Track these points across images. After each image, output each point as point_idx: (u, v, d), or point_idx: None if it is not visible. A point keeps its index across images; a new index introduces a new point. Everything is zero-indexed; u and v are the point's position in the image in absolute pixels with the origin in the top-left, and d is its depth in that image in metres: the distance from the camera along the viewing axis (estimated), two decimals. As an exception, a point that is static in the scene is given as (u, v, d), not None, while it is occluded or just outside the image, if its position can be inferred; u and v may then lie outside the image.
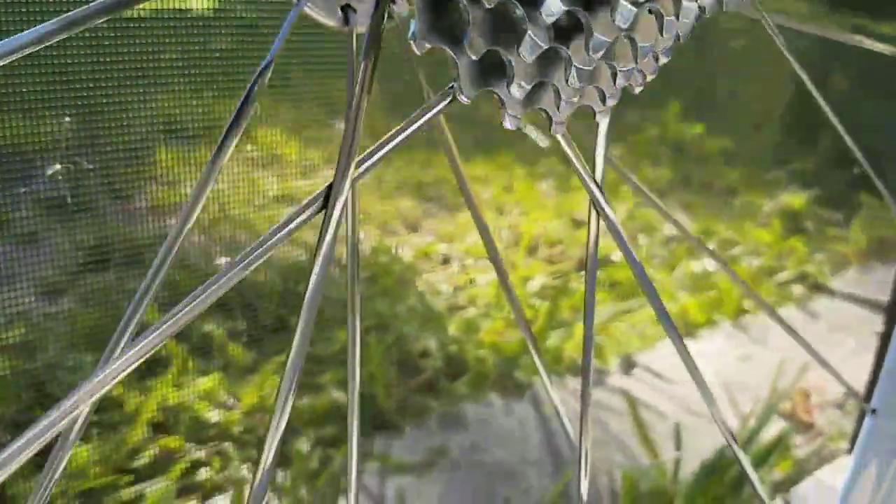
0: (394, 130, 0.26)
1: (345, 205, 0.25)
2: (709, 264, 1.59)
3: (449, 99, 0.26)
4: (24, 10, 0.74)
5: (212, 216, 1.03)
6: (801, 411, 1.18)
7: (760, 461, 1.00)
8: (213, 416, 0.96)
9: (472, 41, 0.23)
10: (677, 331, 0.35)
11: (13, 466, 0.18)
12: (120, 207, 0.86)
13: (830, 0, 2.15)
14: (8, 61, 0.24)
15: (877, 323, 1.40)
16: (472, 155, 1.80)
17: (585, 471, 0.35)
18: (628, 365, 1.27)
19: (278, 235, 0.24)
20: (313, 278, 0.24)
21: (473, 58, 0.23)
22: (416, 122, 0.26)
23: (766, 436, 1.07)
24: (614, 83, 0.27)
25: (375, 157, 0.26)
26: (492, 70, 0.24)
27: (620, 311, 1.37)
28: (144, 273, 0.27)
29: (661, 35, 0.25)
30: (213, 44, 0.86)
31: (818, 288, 1.63)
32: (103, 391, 0.20)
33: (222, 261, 1.10)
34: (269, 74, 0.30)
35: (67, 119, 0.74)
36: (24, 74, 0.75)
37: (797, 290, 1.60)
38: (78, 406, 0.19)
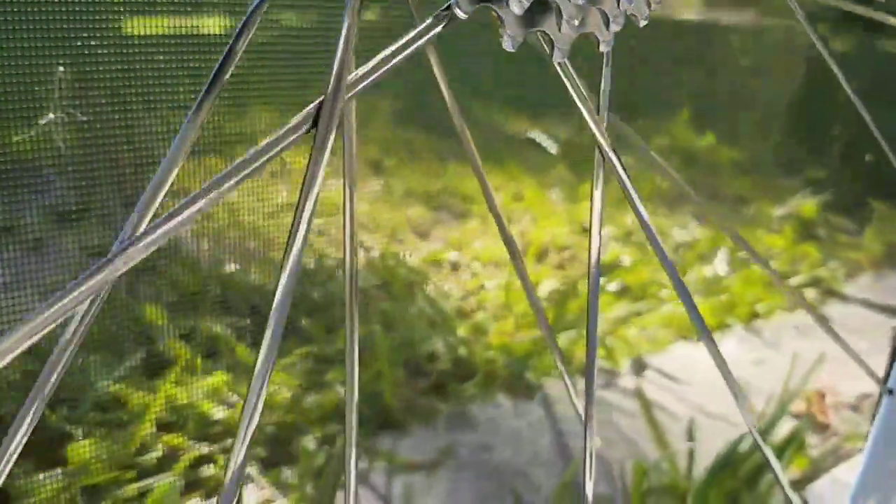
0: (389, 50, 0.25)
1: (340, 125, 0.24)
2: (720, 269, 1.57)
3: (446, 21, 0.26)
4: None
5: (222, 223, 1.03)
6: (817, 412, 1.16)
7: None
8: (218, 413, 0.95)
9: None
10: (699, 313, 0.33)
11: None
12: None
13: None
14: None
15: (890, 326, 1.38)
16: (483, 164, 1.79)
17: (591, 472, 0.34)
18: (640, 366, 1.25)
19: (269, 154, 0.24)
20: (301, 226, 0.23)
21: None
22: (413, 43, 0.26)
23: (780, 434, 1.05)
24: (618, 5, 0.27)
25: (370, 80, 0.25)
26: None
27: (633, 313, 1.36)
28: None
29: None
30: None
31: (831, 293, 1.61)
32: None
33: (232, 267, 1.10)
34: (265, 7, 0.29)
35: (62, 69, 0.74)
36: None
37: (810, 294, 1.58)
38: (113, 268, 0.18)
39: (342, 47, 0.25)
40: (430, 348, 1.18)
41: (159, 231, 0.21)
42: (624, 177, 0.32)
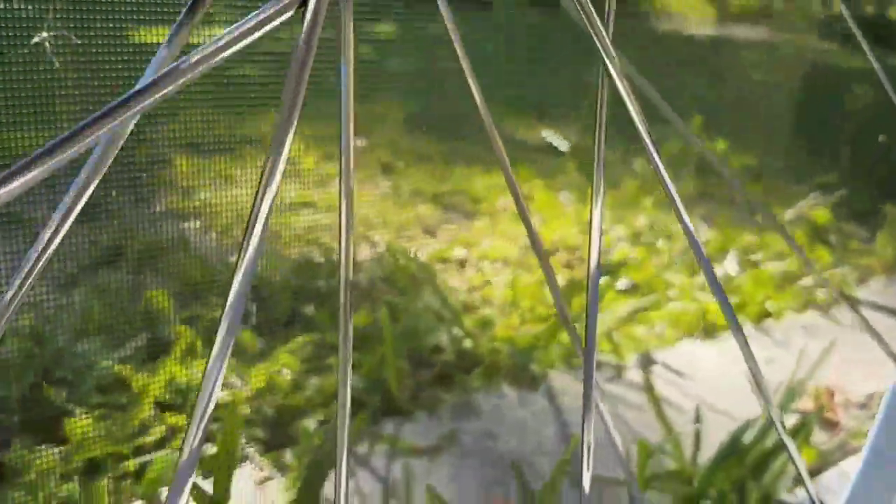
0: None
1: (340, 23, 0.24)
2: (730, 269, 1.56)
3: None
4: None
5: (229, 221, 1.04)
6: (827, 409, 1.15)
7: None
8: (221, 395, 0.95)
9: None
10: (731, 307, 0.33)
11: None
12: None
13: None
14: None
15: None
16: (494, 167, 1.79)
17: (589, 464, 0.34)
18: (647, 362, 1.24)
19: (254, 36, 0.23)
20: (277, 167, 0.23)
21: None
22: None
23: (787, 426, 1.04)
24: None
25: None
26: None
27: (640, 309, 1.35)
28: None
29: None
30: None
31: (843, 296, 1.60)
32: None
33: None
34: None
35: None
36: None
37: (821, 294, 1.57)
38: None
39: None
40: (435, 340, 1.18)
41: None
42: (655, 156, 0.31)
